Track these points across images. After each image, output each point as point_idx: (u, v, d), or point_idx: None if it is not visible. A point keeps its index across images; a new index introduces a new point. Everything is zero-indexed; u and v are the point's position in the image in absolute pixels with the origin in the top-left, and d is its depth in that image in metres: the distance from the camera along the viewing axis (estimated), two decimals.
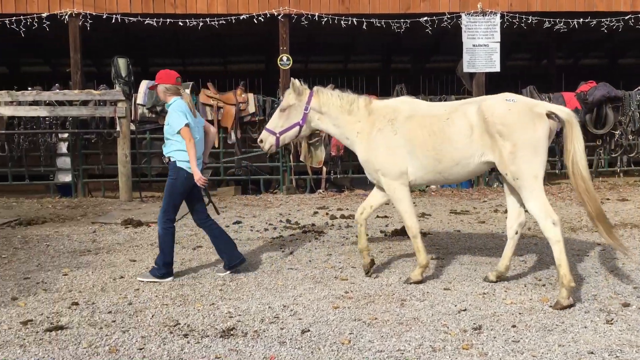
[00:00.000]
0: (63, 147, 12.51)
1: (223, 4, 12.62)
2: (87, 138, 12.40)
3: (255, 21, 12.58)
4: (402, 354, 4.21)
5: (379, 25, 12.90)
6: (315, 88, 6.21)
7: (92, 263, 6.89)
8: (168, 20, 12.38)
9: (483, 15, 13.04)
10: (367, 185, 12.68)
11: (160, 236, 6.30)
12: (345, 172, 12.94)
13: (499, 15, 13.04)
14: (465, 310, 5.07)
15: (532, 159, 5.31)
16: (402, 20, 12.97)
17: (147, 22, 12.29)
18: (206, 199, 6.61)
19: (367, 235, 6.50)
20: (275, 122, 6.21)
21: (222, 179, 12.99)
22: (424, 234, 8.14)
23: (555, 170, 13.27)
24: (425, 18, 13.01)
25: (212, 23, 12.50)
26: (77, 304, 5.42)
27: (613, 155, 13.53)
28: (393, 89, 13.77)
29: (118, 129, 11.57)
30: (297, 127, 6.14)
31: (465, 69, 13.20)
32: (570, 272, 5.18)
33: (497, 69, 13.19)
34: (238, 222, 9.24)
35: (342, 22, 12.82)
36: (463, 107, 5.72)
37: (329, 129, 6.21)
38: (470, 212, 10.05)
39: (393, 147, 5.82)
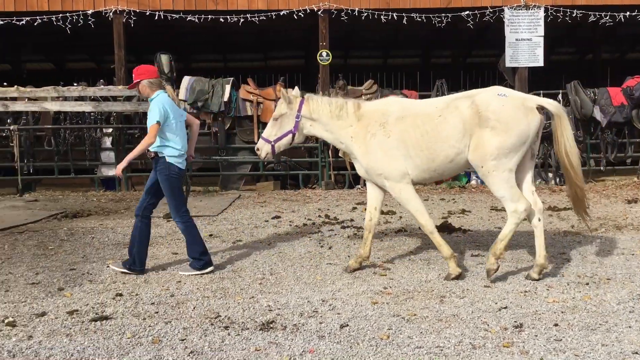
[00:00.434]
0: (107, 142, 12.81)
1: (264, 0, 12.71)
2: (130, 133, 12.66)
3: (295, 17, 12.63)
4: (442, 350, 4.19)
5: (419, 20, 12.80)
6: (306, 96, 6.28)
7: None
8: (209, 16, 12.52)
9: (526, 9, 12.82)
10: None
11: (183, 231, 6.38)
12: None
13: (542, 8, 12.80)
14: (506, 308, 5.01)
15: (514, 154, 5.53)
16: (444, 14, 12.85)
17: (189, 18, 12.46)
18: (186, 192, 6.68)
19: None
20: (270, 130, 6.31)
21: (262, 174, 13.10)
22: (464, 231, 8.08)
23: (601, 167, 12.98)
24: (467, 12, 12.86)
25: (253, 19, 12.59)
26: (121, 295, 5.55)
27: None
28: (433, 84, 13.66)
29: None
30: (290, 135, 6.23)
31: (508, 64, 13.00)
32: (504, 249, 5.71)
33: (541, 63, 12.95)
34: (277, 217, 9.31)
35: (382, 17, 12.76)
36: (455, 103, 5.76)
37: (323, 134, 6.27)
38: None
39: (389, 150, 5.87)
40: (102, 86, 12.34)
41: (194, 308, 5.17)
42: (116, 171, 6.20)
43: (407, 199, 5.95)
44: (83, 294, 5.61)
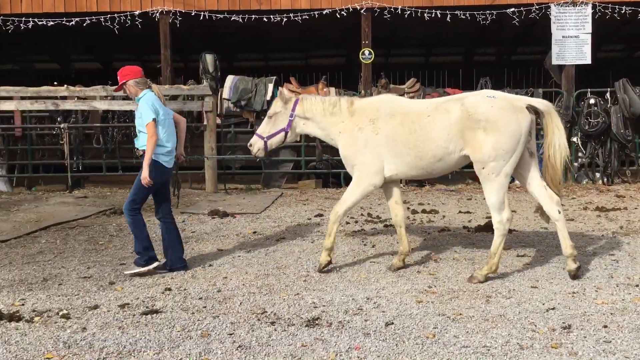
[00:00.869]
0: None
1: None
2: None
3: (338, 15, 12.66)
4: (489, 350, 4.18)
5: (463, 17, 12.69)
6: (300, 96, 6.44)
7: (187, 252, 7.16)
8: (253, 16, 12.65)
9: (573, 6, 12.57)
10: (449, 180, 12.55)
11: (130, 224, 6.32)
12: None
13: (590, 5, 12.54)
14: (553, 309, 4.96)
15: (511, 156, 5.62)
16: (488, 11, 12.70)
17: (233, 18, 12.61)
18: (175, 190, 6.91)
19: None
20: (264, 128, 6.44)
21: (304, 172, 13.18)
22: (509, 231, 7.97)
23: None
24: (513, 9, 12.69)
25: (296, 18, 12.67)
26: (169, 289, 5.68)
27: None
28: (476, 82, 13.53)
29: (205, 122, 11.97)
30: (283, 133, 6.37)
31: (554, 62, 12.78)
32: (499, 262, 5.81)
33: (588, 61, 12.69)
34: (320, 215, 9.37)
35: (425, 14, 12.69)
36: (444, 105, 5.89)
37: (316, 132, 6.41)
38: None
39: (372, 147, 5.99)
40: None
41: (240, 303, 5.26)
42: (143, 182, 6.09)
43: (354, 193, 6.14)
44: (133, 288, 5.76)
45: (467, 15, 12.68)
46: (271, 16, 12.68)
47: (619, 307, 4.99)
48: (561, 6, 12.59)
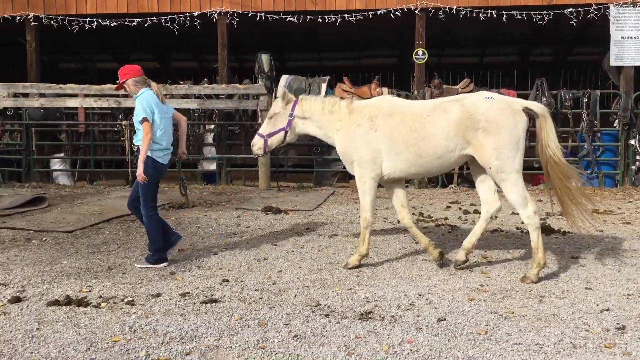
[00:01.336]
0: (209, 138, 13.43)
1: (361, 0, 12.90)
2: (230, 129, 13.21)
3: (392, 16, 12.73)
4: (541, 348, 4.21)
5: (519, 17, 12.58)
6: (300, 97, 6.62)
7: (238, 245, 7.41)
8: (308, 17, 12.84)
9: (633, 7, 12.30)
10: None
11: (145, 224, 6.48)
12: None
13: None
14: (607, 310, 4.94)
15: (515, 154, 5.79)
16: (545, 12, 12.55)
17: (288, 19, 12.84)
18: (182, 190, 7.15)
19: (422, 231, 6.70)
20: (264, 127, 6.66)
21: None
22: (563, 233, 7.93)
23: None
24: (570, 9, 12.50)
25: (350, 19, 12.80)
26: (227, 280, 5.89)
27: None
28: (531, 83, 13.37)
29: (260, 121, 12.22)
30: (283, 132, 6.56)
31: (613, 63, 12.52)
32: (545, 254, 5.85)
33: None
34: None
35: (480, 15, 12.63)
36: (443, 105, 6.08)
37: (314, 131, 6.58)
38: (615, 212, 9.59)
39: (370, 143, 6.16)
40: (206, 84, 12.95)
41: (295, 296, 5.42)
42: (138, 178, 6.29)
43: (365, 191, 6.30)
44: (193, 278, 6.00)
45: (524, 15, 12.56)
46: (326, 17, 12.86)
47: None
48: (620, 7, 12.34)
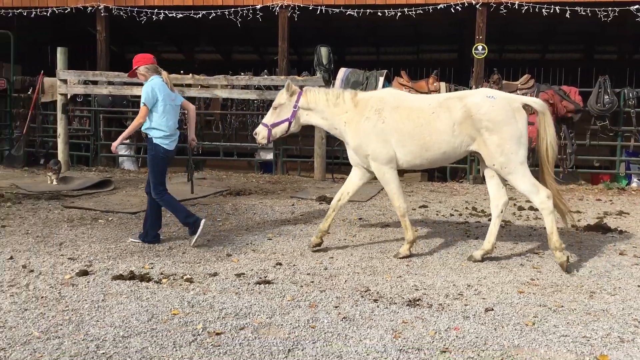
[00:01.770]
0: None
1: None
2: None
3: (453, 10, 12.68)
4: (588, 340, 4.24)
5: (583, 13, 12.32)
6: (304, 88, 6.72)
7: (291, 231, 7.62)
8: (368, 10, 12.94)
9: None
10: (559, 180, 12.24)
11: (166, 206, 6.80)
12: (536, 165, 12.58)
13: None
14: None
15: (518, 149, 5.99)
16: (610, 8, 12.25)
17: (348, 12, 12.97)
18: (189, 176, 7.33)
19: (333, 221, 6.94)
20: (268, 117, 6.75)
21: None
22: (620, 232, 7.80)
23: None
24: (637, 6, 12.16)
25: (410, 13, 12.82)
26: (280, 264, 6.11)
27: None
28: (595, 80, 13.07)
29: None
30: (287, 123, 6.66)
31: None
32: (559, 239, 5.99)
33: None
34: (424, 206, 9.53)
35: (543, 10, 12.43)
36: (447, 102, 6.22)
37: (319, 122, 6.68)
38: None
39: (381, 134, 6.29)
40: (265, 76, 13.23)
41: (345, 281, 5.58)
42: (112, 147, 6.86)
43: (388, 181, 6.46)
44: (248, 260, 6.25)
45: (588, 11, 12.30)
46: (386, 11, 12.92)
47: None
48: None
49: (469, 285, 5.48)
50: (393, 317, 4.67)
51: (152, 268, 5.87)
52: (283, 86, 12.60)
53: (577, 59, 19.86)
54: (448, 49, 20.47)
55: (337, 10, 13.05)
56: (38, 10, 13.81)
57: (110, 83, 12.91)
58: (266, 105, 13.35)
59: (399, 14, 12.88)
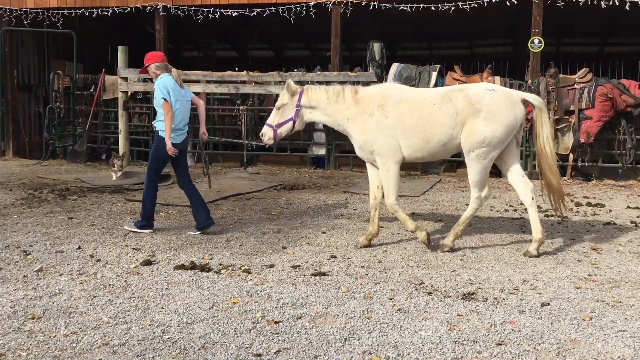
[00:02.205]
0: (320, 124, 13.82)
1: None
2: None
3: (508, 3, 12.50)
4: None
5: None
6: (305, 87, 6.82)
7: (345, 225, 7.72)
8: (421, 5, 12.88)
9: None
10: (618, 176, 11.97)
11: (144, 192, 7.15)
12: (595, 160, 12.33)
13: None
14: None
15: (502, 143, 6.22)
16: None
17: (401, 8, 12.95)
18: (205, 170, 7.49)
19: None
20: (273, 118, 6.85)
21: (463, 160, 13.19)
22: None
23: None
24: None
25: (464, 7, 12.71)
26: (334, 257, 6.22)
27: None
28: None
29: None
30: (291, 122, 6.77)
31: None
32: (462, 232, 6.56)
33: None
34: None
35: (602, 2, 12.13)
36: (449, 94, 6.37)
37: (322, 119, 6.81)
38: None
39: (386, 129, 6.39)
40: (318, 72, 13.36)
41: (399, 274, 5.65)
42: (169, 152, 6.92)
43: (389, 177, 6.52)
44: (303, 253, 6.38)
45: None
46: (439, 5, 12.84)
47: None
48: None
49: (525, 280, 5.47)
50: (448, 310, 4.72)
51: (211, 259, 6.08)
52: (335, 82, 12.74)
53: (638, 53, 19.28)
54: (502, 42, 20.17)
55: (390, 5, 13.05)
56: (99, 10, 14.30)
57: None
58: None
59: (452, 8, 12.79)
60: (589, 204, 9.32)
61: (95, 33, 16.78)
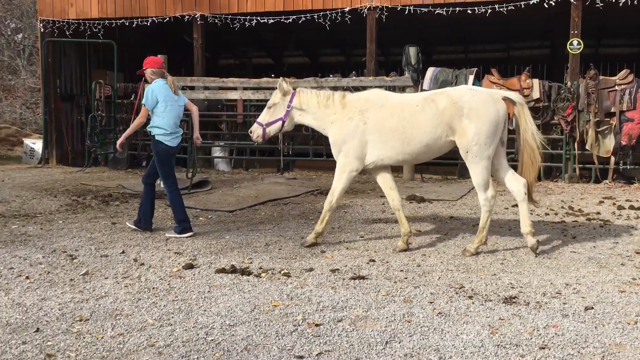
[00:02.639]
0: None
1: None
2: None
3: (546, 5, 12.36)
4: None
5: None
6: (297, 89, 6.95)
7: (383, 229, 7.73)
8: (457, 9, 12.83)
9: None
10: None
11: (169, 199, 7.42)
12: (637, 163, 12.07)
13: None
14: None
15: (491, 141, 6.29)
16: None
17: (437, 11, 12.92)
18: (192, 172, 7.60)
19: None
20: (263, 117, 6.99)
21: None
22: None
23: None
24: None
25: (501, 9, 12.61)
26: (373, 260, 6.23)
27: None
28: None
29: None
30: (280, 122, 6.92)
31: None
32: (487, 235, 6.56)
33: None
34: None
35: None
36: (432, 96, 6.51)
37: (310, 122, 6.92)
38: None
39: (359, 134, 6.53)
40: (354, 77, 13.40)
41: (439, 278, 5.63)
42: (117, 146, 7.59)
43: (342, 180, 6.71)
44: (341, 257, 6.41)
45: None
46: (476, 8, 12.77)
47: None
48: None
49: (567, 284, 5.40)
50: (489, 314, 4.69)
51: (251, 263, 6.16)
52: (371, 87, 12.78)
53: None
54: (540, 44, 19.91)
55: (426, 9, 13.02)
56: (139, 20, 14.61)
57: (206, 88, 13.49)
58: None
59: (489, 11, 12.69)
60: (631, 207, 9.14)
61: (135, 43, 17.14)
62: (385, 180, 6.95)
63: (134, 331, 4.35)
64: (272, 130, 7.01)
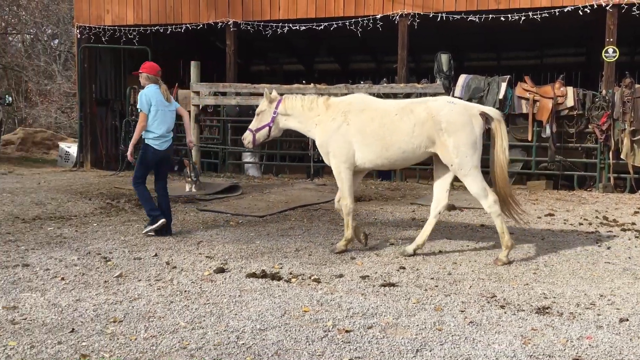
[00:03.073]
0: None
1: None
2: None
3: (581, 12, 12.21)
4: None
5: None
6: (284, 95, 7.17)
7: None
8: (490, 16, 12.74)
9: None
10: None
11: (138, 195, 7.71)
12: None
13: None
14: None
15: (473, 153, 6.40)
16: None
17: (470, 18, 12.84)
18: (193, 175, 8.27)
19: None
20: (253, 123, 7.24)
21: (533, 173, 12.95)
22: None
23: None
24: None
25: (535, 17, 12.49)
26: (403, 268, 6.21)
27: None
28: None
29: None
30: (267, 128, 7.14)
31: None
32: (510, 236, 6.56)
33: None
34: (550, 215, 9.25)
35: None
36: (410, 106, 6.63)
37: (296, 126, 7.11)
38: None
39: (344, 135, 6.69)
40: (385, 84, 13.39)
41: (470, 287, 5.59)
42: (129, 157, 7.73)
43: (342, 180, 6.84)
44: (372, 263, 6.41)
45: None
46: (509, 15, 12.66)
47: None
48: None
49: (602, 295, 5.32)
50: (521, 324, 4.64)
51: (281, 268, 6.19)
52: (402, 94, 12.76)
53: None
54: (574, 52, 19.65)
55: (458, 16, 12.95)
56: (174, 26, 14.83)
57: (237, 94, 13.61)
58: None
59: (522, 18, 12.58)
60: None
61: (169, 49, 17.40)
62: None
63: (167, 333, 4.41)
64: (260, 136, 7.24)
